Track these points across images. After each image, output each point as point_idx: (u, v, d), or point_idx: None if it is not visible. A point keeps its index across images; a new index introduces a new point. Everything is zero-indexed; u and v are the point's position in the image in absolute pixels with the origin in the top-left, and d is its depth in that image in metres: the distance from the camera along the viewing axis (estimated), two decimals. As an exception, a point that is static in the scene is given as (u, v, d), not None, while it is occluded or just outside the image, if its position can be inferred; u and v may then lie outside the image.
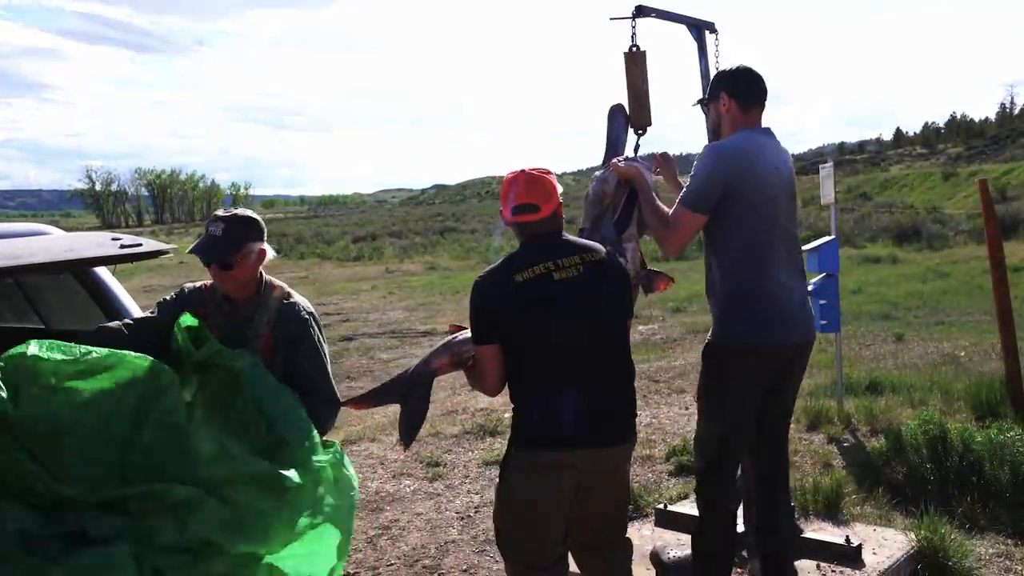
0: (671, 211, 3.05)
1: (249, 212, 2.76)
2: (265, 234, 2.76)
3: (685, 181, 3.20)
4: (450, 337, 2.91)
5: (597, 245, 2.75)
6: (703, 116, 3.53)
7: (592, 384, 2.62)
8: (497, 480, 2.76)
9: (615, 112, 3.45)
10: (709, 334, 3.16)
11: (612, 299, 2.68)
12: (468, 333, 2.81)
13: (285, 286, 2.83)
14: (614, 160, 3.18)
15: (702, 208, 3.00)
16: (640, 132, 3.52)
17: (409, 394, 2.85)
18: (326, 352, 2.78)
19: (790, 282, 3.08)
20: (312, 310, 2.81)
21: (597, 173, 3.19)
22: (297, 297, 2.81)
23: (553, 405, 2.57)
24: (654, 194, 3.10)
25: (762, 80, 3.14)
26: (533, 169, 2.67)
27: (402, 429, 2.88)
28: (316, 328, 2.77)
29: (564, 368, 2.58)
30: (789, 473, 3.43)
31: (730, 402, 3.11)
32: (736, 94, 3.11)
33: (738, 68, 3.16)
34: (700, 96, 3.66)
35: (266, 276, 2.80)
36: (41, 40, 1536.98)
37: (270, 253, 2.75)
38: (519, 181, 2.64)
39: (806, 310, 3.16)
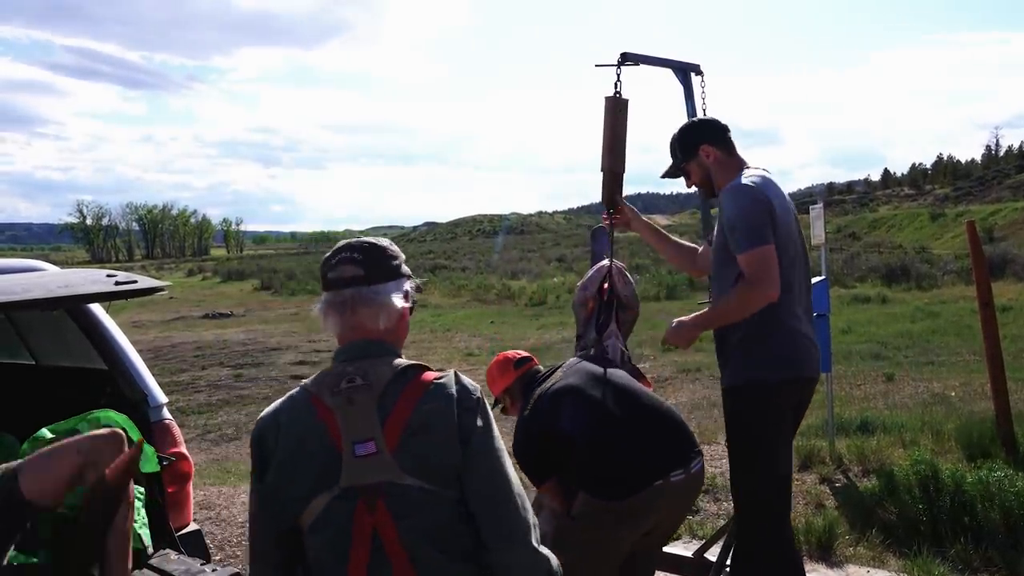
0: (743, 266, 2.87)
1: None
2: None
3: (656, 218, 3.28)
4: None
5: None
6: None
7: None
8: (551, 523, 2.81)
9: (599, 233, 3.67)
10: (730, 378, 3.07)
11: (598, 359, 3.13)
12: None
13: None
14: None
15: (769, 238, 2.86)
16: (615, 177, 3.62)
17: None
18: None
19: (805, 317, 3.09)
20: None
21: (579, 283, 3.55)
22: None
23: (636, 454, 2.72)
24: (712, 309, 3.06)
25: (719, 120, 3.23)
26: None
27: None
28: None
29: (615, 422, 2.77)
30: None
31: (780, 442, 3.05)
32: (714, 141, 3.15)
33: (697, 121, 3.28)
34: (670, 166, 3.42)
35: None
36: (32, 74, 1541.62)
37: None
38: (506, 354, 3.31)
39: (815, 345, 3.15)
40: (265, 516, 1.71)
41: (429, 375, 1.71)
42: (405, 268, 1.85)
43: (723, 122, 3.21)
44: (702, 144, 3.15)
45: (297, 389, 1.74)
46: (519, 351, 3.33)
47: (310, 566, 1.66)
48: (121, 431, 2.20)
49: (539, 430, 2.82)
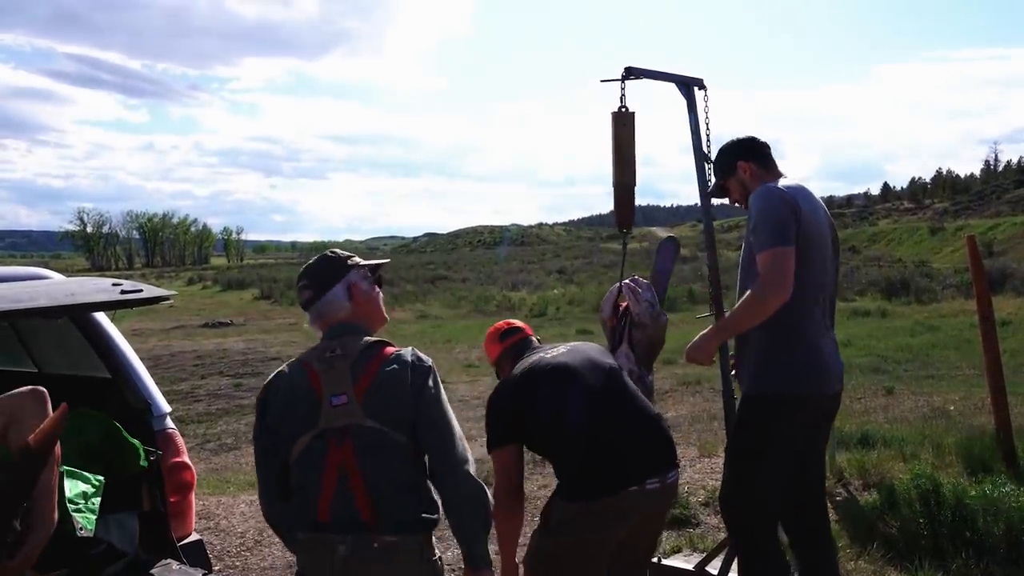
0: (759, 266, 2.89)
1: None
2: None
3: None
4: None
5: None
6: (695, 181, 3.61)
7: (627, 419, 2.73)
8: (535, 537, 2.76)
9: (667, 244, 3.72)
10: (744, 386, 3.09)
11: (601, 351, 3.00)
12: None
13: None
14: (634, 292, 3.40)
15: (790, 239, 2.85)
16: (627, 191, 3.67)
17: None
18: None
19: (828, 330, 3.11)
20: None
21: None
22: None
23: (604, 450, 2.64)
24: (726, 316, 3.13)
25: (759, 138, 3.29)
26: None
27: None
28: None
29: (595, 414, 2.69)
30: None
31: (784, 457, 3.07)
32: (751, 157, 3.23)
33: (735, 139, 3.32)
34: (712, 186, 3.55)
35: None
36: (34, 82, 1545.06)
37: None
38: (497, 325, 3.18)
39: (839, 358, 3.18)
40: (266, 455, 2.27)
41: (390, 349, 2.25)
42: (352, 262, 2.37)
43: (762, 139, 3.28)
44: (739, 161, 3.24)
45: (294, 360, 2.30)
46: (511, 320, 3.20)
47: (294, 492, 2.19)
48: (42, 389, 2.09)
49: (514, 403, 2.77)
